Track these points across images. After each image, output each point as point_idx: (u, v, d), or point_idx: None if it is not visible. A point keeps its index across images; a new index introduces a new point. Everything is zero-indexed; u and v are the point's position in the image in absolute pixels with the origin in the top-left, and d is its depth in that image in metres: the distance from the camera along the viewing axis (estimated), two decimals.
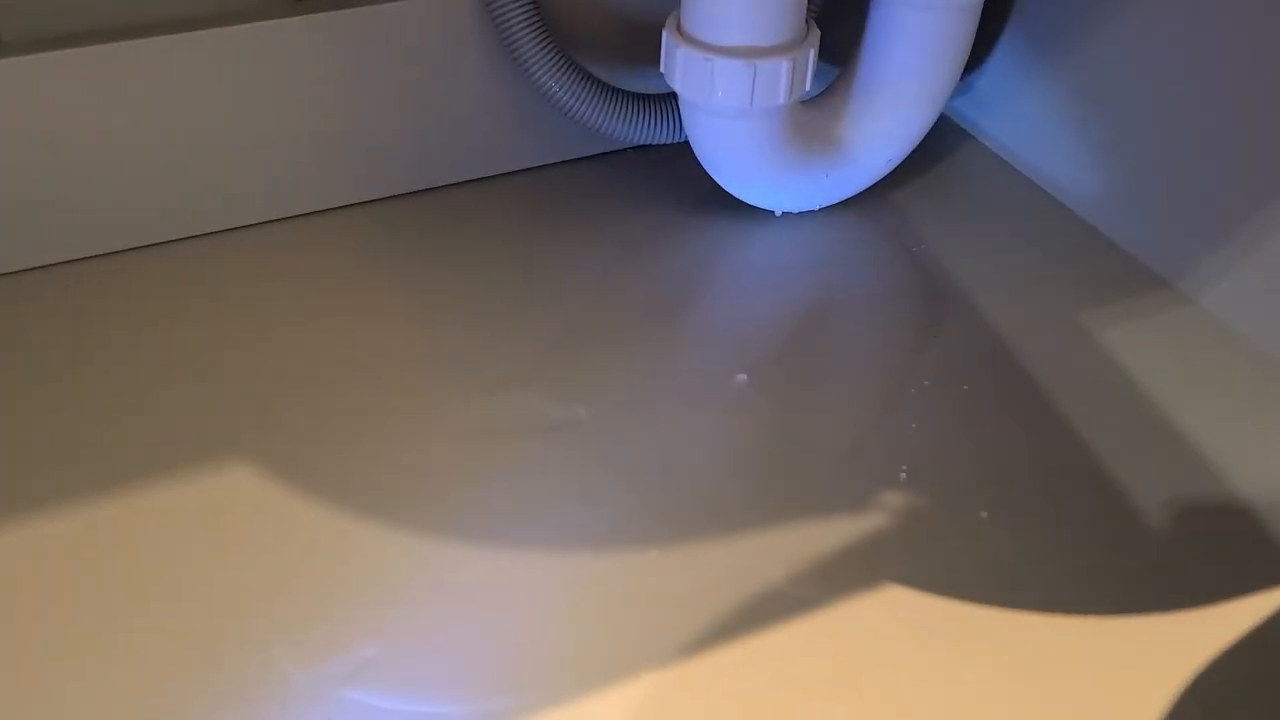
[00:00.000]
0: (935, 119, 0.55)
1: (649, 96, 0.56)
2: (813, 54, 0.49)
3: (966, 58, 0.53)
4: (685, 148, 0.55)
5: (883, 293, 0.54)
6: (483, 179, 0.60)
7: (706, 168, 0.54)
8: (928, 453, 0.45)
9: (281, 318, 0.51)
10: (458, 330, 0.51)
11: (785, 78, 0.47)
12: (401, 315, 0.52)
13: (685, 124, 0.53)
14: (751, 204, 0.57)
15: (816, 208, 0.58)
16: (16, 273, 0.53)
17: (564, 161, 0.61)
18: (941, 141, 0.63)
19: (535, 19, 0.52)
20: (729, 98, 0.48)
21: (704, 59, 0.47)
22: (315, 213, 0.57)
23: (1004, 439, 0.46)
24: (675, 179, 0.60)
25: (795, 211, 0.58)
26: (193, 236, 0.55)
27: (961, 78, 0.55)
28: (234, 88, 0.52)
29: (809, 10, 0.50)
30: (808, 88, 0.50)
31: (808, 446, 0.46)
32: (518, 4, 0.51)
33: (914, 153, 0.57)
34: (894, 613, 0.39)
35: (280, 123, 0.54)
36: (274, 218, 0.56)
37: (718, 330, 0.52)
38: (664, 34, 0.49)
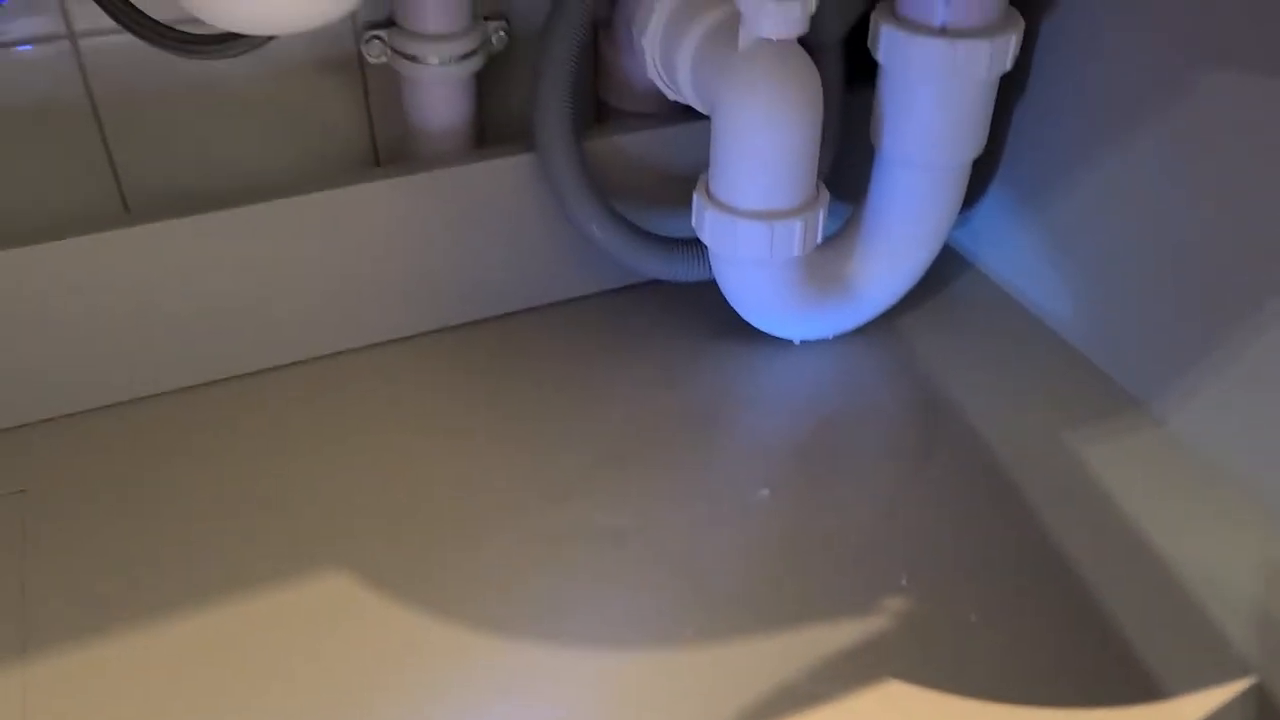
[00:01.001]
0: (934, 257, 0.63)
1: (681, 241, 0.63)
2: (822, 213, 0.56)
3: (959, 206, 0.61)
4: (713, 282, 0.63)
5: (888, 412, 0.62)
6: (535, 308, 0.68)
7: (732, 305, 0.62)
8: (924, 561, 0.52)
9: (360, 436, 0.59)
10: (515, 445, 0.59)
11: (798, 235, 0.55)
12: (467, 432, 0.59)
13: (713, 268, 0.61)
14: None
15: (830, 336, 0.65)
16: (136, 400, 0.61)
17: (606, 291, 0.69)
18: (945, 269, 0.70)
19: (583, 177, 0.60)
20: (750, 251, 0.56)
21: (729, 220, 0.55)
22: (388, 341, 0.65)
23: (993, 547, 0.53)
24: (704, 309, 0.67)
25: (811, 339, 0.65)
26: (281, 366, 0.63)
27: (960, 214, 0.62)
28: (326, 239, 0.60)
29: (819, 174, 0.58)
30: (819, 240, 0.57)
31: (821, 556, 0.53)
32: (569, 164, 0.60)
33: (921, 279, 0.64)
34: (895, 706, 0.46)
35: (363, 266, 0.62)
36: (349, 347, 0.64)
37: (744, 447, 0.60)
38: (695, 196, 0.57)
